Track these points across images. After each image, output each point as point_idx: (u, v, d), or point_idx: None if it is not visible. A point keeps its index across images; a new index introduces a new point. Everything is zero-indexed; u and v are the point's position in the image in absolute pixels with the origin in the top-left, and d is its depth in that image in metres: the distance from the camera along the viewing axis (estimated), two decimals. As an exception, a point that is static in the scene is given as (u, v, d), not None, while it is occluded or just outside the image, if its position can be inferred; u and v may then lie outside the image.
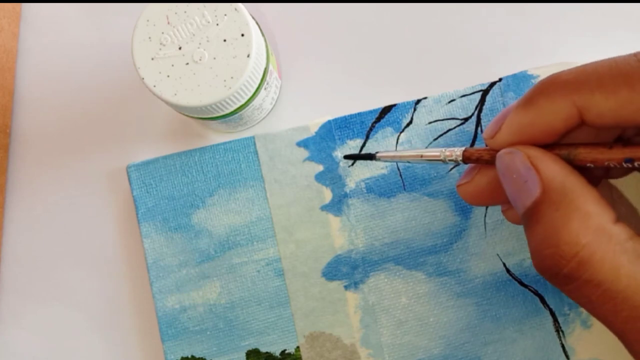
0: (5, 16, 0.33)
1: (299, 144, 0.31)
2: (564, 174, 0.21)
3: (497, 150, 0.24)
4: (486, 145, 0.25)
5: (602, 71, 0.21)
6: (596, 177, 0.25)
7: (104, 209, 0.33)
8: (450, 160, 0.25)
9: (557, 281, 0.21)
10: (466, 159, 0.25)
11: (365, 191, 0.31)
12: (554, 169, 0.21)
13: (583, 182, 0.21)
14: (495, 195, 0.25)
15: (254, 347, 0.31)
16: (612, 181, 0.29)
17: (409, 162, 0.27)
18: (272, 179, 0.31)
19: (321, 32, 0.33)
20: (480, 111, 0.31)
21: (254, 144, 0.31)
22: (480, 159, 0.25)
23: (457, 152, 0.25)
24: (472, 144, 0.31)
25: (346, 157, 0.28)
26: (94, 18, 0.34)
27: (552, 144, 0.23)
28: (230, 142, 0.32)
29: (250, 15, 0.27)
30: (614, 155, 0.21)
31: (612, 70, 0.21)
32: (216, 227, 0.31)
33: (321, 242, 0.31)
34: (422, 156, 0.26)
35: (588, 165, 0.22)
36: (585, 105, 0.21)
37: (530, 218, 0.22)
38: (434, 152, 0.26)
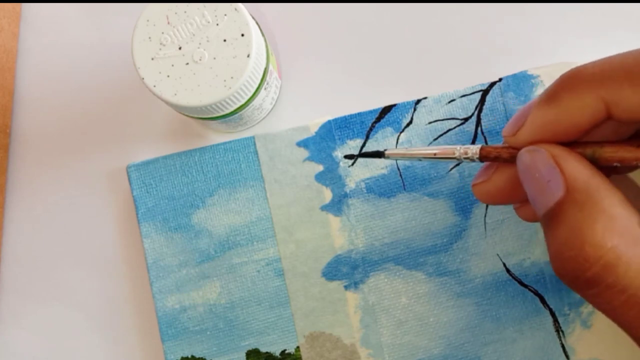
0: (5, 16, 0.33)
1: (299, 144, 0.31)
2: (589, 175, 0.21)
3: (516, 149, 0.23)
4: (504, 143, 0.24)
5: (630, 63, 0.20)
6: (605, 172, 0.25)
7: (104, 209, 0.33)
8: (465, 158, 0.24)
9: (578, 285, 0.20)
10: (483, 157, 0.24)
11: (365, 191, 0.31)
12: (578, 168, 0.21)
13: (608, 183, 0.20)
14: (513, 195, 0.24)
15: (254, 347, 0.31)
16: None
17: (419, 159, 0.26)
18: (272, 179, 0.31)
19: (321, 32, 0.33)
20: (480, 111, 0.31)
21: (254, 144, 0.31)
22: (498, 158, 0.24)
23: (474, 149, 0.24)
24: (472, 144, 0.31)
25: (349, 156, 0.28)
26: (94, 18, 0.34)
27: (575, 142, 0.22)
28: (230, 142, 0.32)
29: (250, 15, 0.27)
30: None
31: None
32: (216, 227, 0.31)
33: (321, 242, 0.31)
34: (435, 154, 0.25)
35: (615, 164, 0.21)
36: (614, 100, 0.20)
37: (551, 219, 0.21)
38: (448, 149, 0.25)
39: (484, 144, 0.30)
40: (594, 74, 0.21)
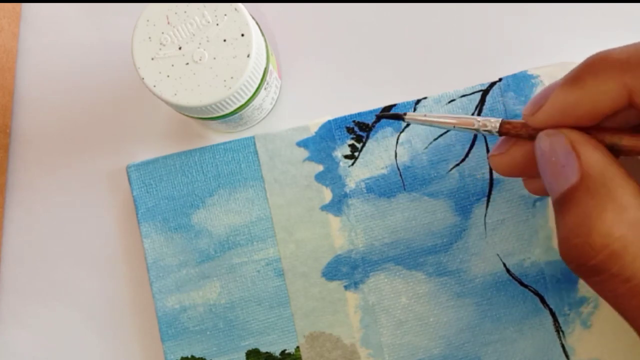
0: (5, 16, 0.33)
1: (299, 144, 0.31)
2: (605, 163, 0.21)
3: (535, 128, 0.23)
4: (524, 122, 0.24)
5: None
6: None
7: (104, 209, 0.33)
8: (485, 130, 0.24)
9: (583, 272, 0.20)
10: (504, 132, 0.24)
11: (365, 191, 0.31)
12: (595, 156, 0.21)
13: (623, 173, 0.20)
14: (528, 169, 0.24)
15: (254, 347, 0.31)
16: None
17: (438, 127, 0.26)
18: (272, 179, 0.31)
19: (321, 32, 0.33)
20: (480, 111, 0.31)
21: (254, 144, 0.31)
22: (519, 135, 0.24)
23: (494, 123, 0.24)
24: (472, 144, 0.31)
25: (378, 116, 0.27)
26: (94, 18, 0.34)
27: (595, 127, 0.22)
28: (230, 142, 0.32)
29: (250, 15, 0.27)
30: None
31: None
32: (216, 227, 0.31)
33: (321, 242, 0.31)
34: (454, 124, 0.25)
35: (632, 155, 0.21)
36: (637, 88, 0.20)
37: (563, 204, 0.21)
38: (467, 120, 0.25)
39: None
40: (619, 60, 0.21)
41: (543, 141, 0.22)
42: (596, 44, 0.31)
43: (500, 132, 0.24)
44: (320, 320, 0.30)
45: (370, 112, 0.31)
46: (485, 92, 0.31)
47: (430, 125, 0.26)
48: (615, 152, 0.22)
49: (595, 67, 0.21)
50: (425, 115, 0.26)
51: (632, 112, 0.22)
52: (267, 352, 0.31)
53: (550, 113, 0.22)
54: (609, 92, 0.21)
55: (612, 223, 0.19)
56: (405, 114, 0.26)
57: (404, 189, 0.31)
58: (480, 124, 0.24)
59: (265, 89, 0.29)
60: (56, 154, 0.33)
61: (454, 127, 0.25)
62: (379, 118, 0.27)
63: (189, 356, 0.31)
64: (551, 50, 0.32)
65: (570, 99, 0.22)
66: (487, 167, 0.30)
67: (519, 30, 0.32)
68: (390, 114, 0.27)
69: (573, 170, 0.21)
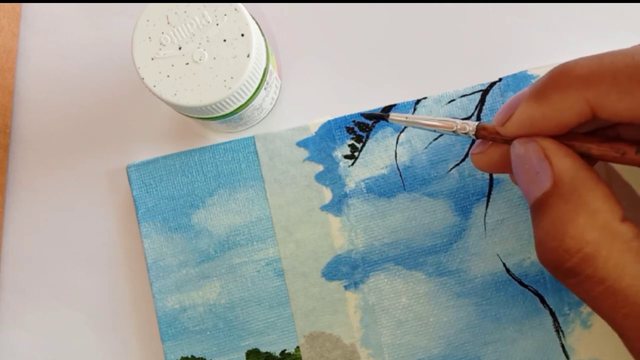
0: (5, 16, 0.33)
1: (299, 144, 0.31)
2: (576, 169, 0.21)
3: (507, 136, 0.24)
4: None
5: (619, 67, 0.20)
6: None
7: (104, 209, 0.33)
8: (463, 133, 0.25)
9: (559, 274, 0.21)
10: (480, 137, 0.25)
11: (365, 191, 0.31)
12: (566, 162, 0.21)
13: (594, 177, 0.21)
14: (507, 167, 0.25)
15: (253, 347, 0.31)
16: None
17: (420, 128, 0.26)
18: (272, 179, 0.31)
19: (321, 32, 0.33)
20: (480, 111, 0.31)
21: (254, 144, 0.31)
22: (494, 139, 0.24)
23: (471, 126, 0.25)
24: (472, 144, 0.31)
25: (363, 115, 0.28)
26: (94, 18, 0.34)
27: (568, 133, 0.23)
28: (230, 142, 0.32)
29: (250, 15, 0.27)
30: (630, 160, 0.21)
31: (629, 68, 0.20)
32: (216, 227, 0.31)
33: (321, 242, 0.31)
34: (435, 125, 0.25)
35: (603, 161, 0.22)
36: (599, 104, 0.21)
37: (538, 209, 0.22)
38: (448, 122, 0.25)
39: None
40: (581, 76, 0.21)
41: (517, 148, 0.23)
42: (596, 44, 0.31)
43: (477, 136, 0.25)
44: (320, 320, 0.31)
45: (370, 112, 0.31)
46: (485, 92, 0.31)
47: (414, 127, 0.26)
48: (586, 158, 0.22)
49: (559, 82, 0.22)
50: (407, 117, 0.26)
51: (602, 120, 0.23)
52: (267, 352, 0.31)
53: (517, 125, 0.23)
54: (573, 107, 0.21)
55: (584, 227, 0.20)
56: (388, 115, 0.26)
57: (404, 189, 0.31)
58: (459, 127, 0.25)
59: (265, 89, 0.29)
60: (56, 154, 0.33)
61: (435, 129, 0.26)
62: (363, 116, 0.28)
63: (189, 356, 0.31)
64: (551, 50, 0.32)
65: (536, 114, 0.22)
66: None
67: (519, 30, 0.32)
68: (374, 114, 0.27)
69: (546, 177, 0.21)
